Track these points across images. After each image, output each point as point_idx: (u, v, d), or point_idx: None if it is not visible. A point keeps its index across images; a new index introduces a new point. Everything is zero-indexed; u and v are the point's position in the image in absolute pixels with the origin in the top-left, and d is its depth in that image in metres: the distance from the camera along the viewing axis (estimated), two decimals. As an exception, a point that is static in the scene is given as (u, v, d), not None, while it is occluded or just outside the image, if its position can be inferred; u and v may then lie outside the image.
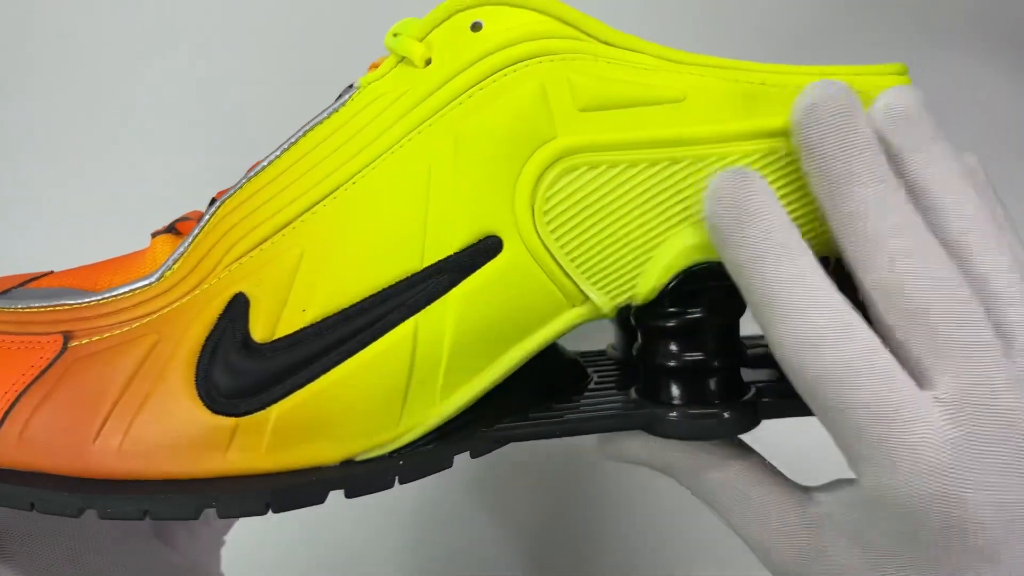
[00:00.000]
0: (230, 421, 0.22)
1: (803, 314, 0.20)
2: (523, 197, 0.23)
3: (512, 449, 0.26)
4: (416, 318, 0.23)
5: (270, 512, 0.22)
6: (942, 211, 0.21)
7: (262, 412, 0.23)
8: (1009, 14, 0.38)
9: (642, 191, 0.23)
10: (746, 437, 0.25)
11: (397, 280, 0.23)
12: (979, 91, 0.38)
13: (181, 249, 0.24)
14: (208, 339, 0.23)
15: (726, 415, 0.24)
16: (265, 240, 0.23)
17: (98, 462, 0.22)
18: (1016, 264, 0.21)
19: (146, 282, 0.24)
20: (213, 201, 0.25)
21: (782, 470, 0.25)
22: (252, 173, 0.24)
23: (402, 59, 0.24)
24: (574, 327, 0.25)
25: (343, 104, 0.24)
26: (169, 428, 0.22)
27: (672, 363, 0.25)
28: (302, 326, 0.23)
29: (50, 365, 0.23)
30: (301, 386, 0.23)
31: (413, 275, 0.23)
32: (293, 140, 0.24)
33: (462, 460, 0.24)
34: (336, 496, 0.23)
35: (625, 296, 0.24)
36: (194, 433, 0.22)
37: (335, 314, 0.23)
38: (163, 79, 0.39)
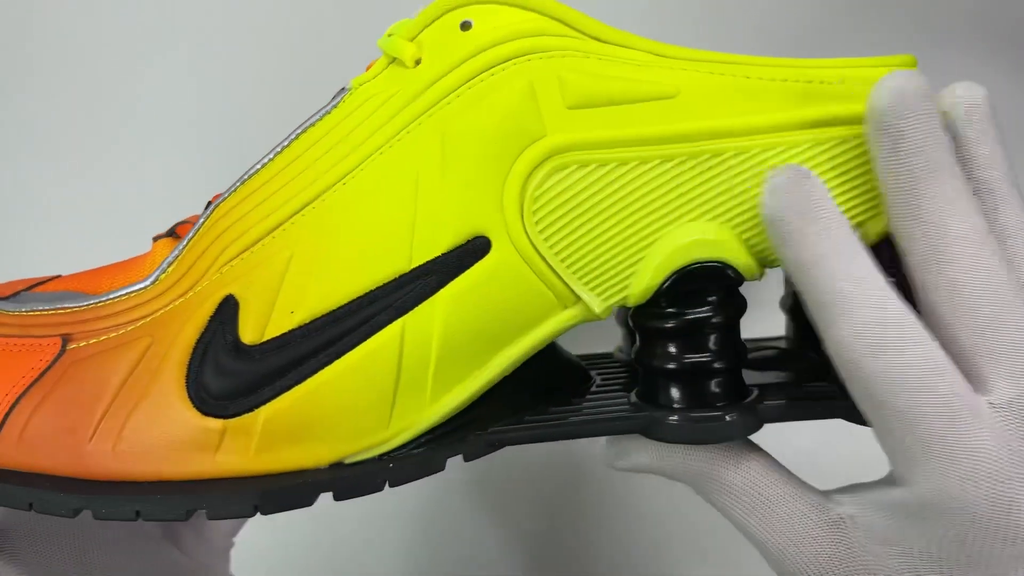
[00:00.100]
0: (219, 423, 0.23)
1: (866, 315, 0.20)
2: (512, 197, 0.23)
3: (513, 452, 0.26)
4: (403, 320, 0.23)
5: (259, 514, 0.22)
6: (1004, 213, 0.22)
7: (251, 414, 0.23)
8: (1009, 14, 0.37)
9: (633, 189, 0.23)
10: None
11: (385, 281, 0.23)
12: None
13: (176, 252, 0.24)
14: (199, 341, 0.23)
15: (728, 418, 0.24)
16: (256, 243, 0.24)
17: (94, 463, 0.23)
18: None
19: (141, 285, 0.24)
20: (209, 204, 0.25)
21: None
22: (246, 176, 0.25)
23: (393, 60, 0.24)
24: (568, 329, 0.24)
25: (335, 106, 0.24)
26: (161, 430, 0.23)
27: (671, 365, 0.24)
28: (290, 328, 0.23)
29: (49, 367, 0.23)
30: (289, 388, 0.23)
31: (401, 276, 0.23)
32: (286, 143, 0.24)
33: (463, 463, 0.24)
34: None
35: (618, 297, 0.24)
36: (184, 435, 0.23)
37: (323, 316, 0.23)
38: (163, 79, 0.40)
